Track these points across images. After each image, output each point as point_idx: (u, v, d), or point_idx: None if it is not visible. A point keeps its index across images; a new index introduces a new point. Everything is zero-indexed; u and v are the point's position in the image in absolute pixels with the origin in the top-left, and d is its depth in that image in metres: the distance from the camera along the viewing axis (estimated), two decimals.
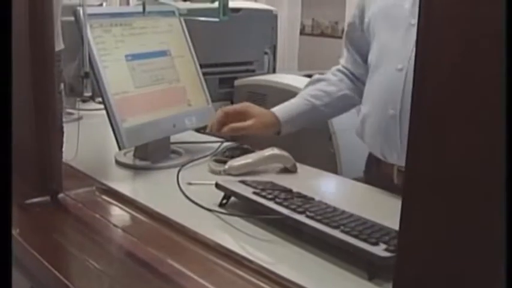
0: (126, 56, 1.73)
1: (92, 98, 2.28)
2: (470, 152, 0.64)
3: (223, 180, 1.53)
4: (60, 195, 1.50)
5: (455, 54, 0.65)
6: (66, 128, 1.62)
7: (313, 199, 1.40)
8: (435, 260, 0.69)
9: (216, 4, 1.69)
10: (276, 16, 3.11)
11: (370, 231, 1.19)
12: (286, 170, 1.75)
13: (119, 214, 1.47)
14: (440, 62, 0.66)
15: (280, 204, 1.33)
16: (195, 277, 1.14)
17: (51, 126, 1.47)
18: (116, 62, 1.69)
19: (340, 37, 1.80)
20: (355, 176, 1.84)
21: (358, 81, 1.87)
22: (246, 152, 1.80)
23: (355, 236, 1.17)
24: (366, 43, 1.77)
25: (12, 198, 0.78)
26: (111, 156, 1.81)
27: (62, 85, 1.64)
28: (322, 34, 6.25)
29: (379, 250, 1.12)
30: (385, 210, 1.43)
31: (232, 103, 2.86)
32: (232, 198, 1.45)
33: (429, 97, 0.67)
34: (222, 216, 1.39)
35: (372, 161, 1.77)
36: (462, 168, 0.65)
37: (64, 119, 1.64)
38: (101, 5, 2.31)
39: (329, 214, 1.28)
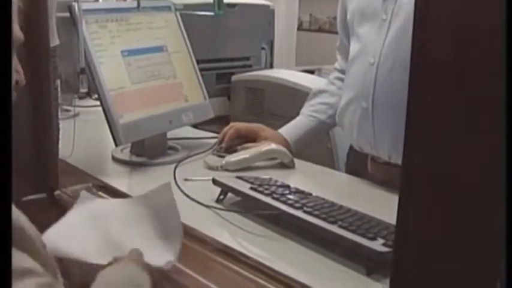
0: (122, 51, 1.72)
1: (88, 95, 2.28)
2: (468, 148, 0.63)
3: (220, 176, 1.53)
4: (57, 192, 1.49)
5: (451, 51, 0.64)
6: (63, 124, 1.61)
7: (310, 194, 1.39)
8: (432, 255, 0.68)
9: None
10: (273, 11, 3.09)
11: (368, 226, 1.19)
12: (283, 166, 1.74)
13: None
14: (437, 60, 0.65)
15: (277, 199, 1.33)
16: (193, 274, 1.14)
17: (47, 123, 1.46)
18: (112, 57, 1.69)
19: (338, 33, 1.81)
20: None
21: None
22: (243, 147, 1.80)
23: (353, 231, 1.16)
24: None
25: (11, 196, 0.78)
26: (108, 152, 1.80)
27: (58, 81, 1.63)
28: (320, 29, 6.24)
29: (377, 245, 1.11)
30: (382, 204, 1.42)
31: (229, 99, 2.86)
32: (230, 194, 1.44)
33: (426, 93, 0.66)
34: (219, 212, 1.39)
35: (351, 152, 1.81)
36: (459, 163, 0.64)
37: (60, 116, 1.63)
38: (97, 0, 2.29)
39: (326, 209, 1.27)
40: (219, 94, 2.76)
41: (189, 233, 1.30)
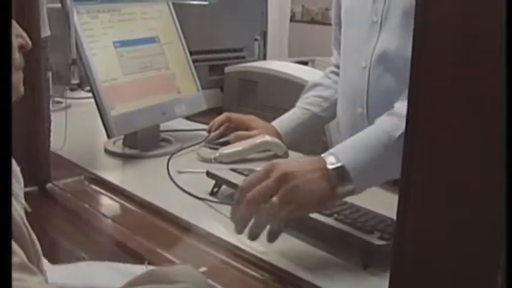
0: (115, 42, 1.70)
1: (80, 86, 2.26)
2: (469, 146, 0.62)
3: (214, 168, 1.51)
4: (49, 185, 1.48)
5: (451, 56, 0.63)
6: (54, 116, 1.59)
7: None
8: (432, 251, 0.67)
9: None
10: (266, 1, 3.08)
11: (365, 219, 1.18)
12: (277, 158, 1.73)
13: (108, 204, 1.45)
14: (437, 59, 0.64)
15: None
16: None
17: (39, 115, 1.44)
18: (104, 48, 1.67)
19: (331, 24, 1.80)
20: None
21: None
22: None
23: (349, 224, 1.15)
24: None
25: (11, 194, 0.77)
26: (100, 145, 1.78)
27: (49, 73, 1.61)
28: (312, 21, 6.22)
29: (374, 238, 1.10)
30: (378, 198, 1.41)
31: (222, 91, 2.84)
32: (224, 187, 1.43)
33: (427, 91, 0.65)
34: (213, 205, 1.37)
35: None
36: (460, 161, 0.63)
37: (52, 108, 1.62)
38: None
39: None
40: (212, 86, 2.75)
41: (183, 226, 1.29)
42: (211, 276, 1.10)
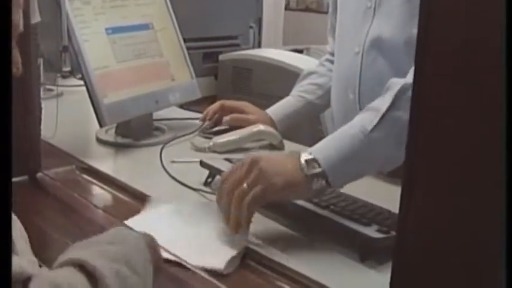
0: (107, 29, 1.67)
1: (72, 74, 2.23)
2: (472, 139, 0.61)
3: (208, 157, 1.49)
4: (39, 175, 1.45)
5: (456, 52, 0.61)
6: (46, 104, 1.56)
7: None
8: (435, 245, 0.66)
9: None
10: None
11: (362, 211, 1.16)
12: (272, 147, 1.71)
13: (99, 194, 1.42)
14: (442, 53, 0.62)
15: None
16: (180, 260, 1.10)
17: (29, 103, 1.41)
18: (96, 35, 1.64)
19: (325, 12, 1.78)
20: None
21: None
22: (231, 128, 1.76)
23: (346, 216, 1.13)
24: None
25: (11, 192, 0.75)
26: (92, 133, 1.76)
27: (40, 60, 1.58)
28: (307, 9, 6.20)
29: (372, 231, 1.08)
30: (375, 190, 1.40)
31: (216, 78, 2.82)
32: (218, 177, 1.40)
33: (430, 86, 0.63)
34: (207, 195, 1.35)
35: None
36: (463, 154, 0.62)
37: (43, 96, 1.59)
38: None
39: None
40: (206, 74, 2.72)
41: None
42: (204, 269, 1.08)
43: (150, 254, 0.85)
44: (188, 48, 1.95)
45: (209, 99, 2.30)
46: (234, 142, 1.67)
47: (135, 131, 1.72)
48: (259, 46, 3.06)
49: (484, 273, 0.64)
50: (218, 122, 1.80)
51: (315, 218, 1.16)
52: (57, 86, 1.99)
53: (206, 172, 1.41)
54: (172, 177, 1.44)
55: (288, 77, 2.23)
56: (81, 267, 0.73)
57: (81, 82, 1.64)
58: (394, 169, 1.23)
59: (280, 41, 5.02)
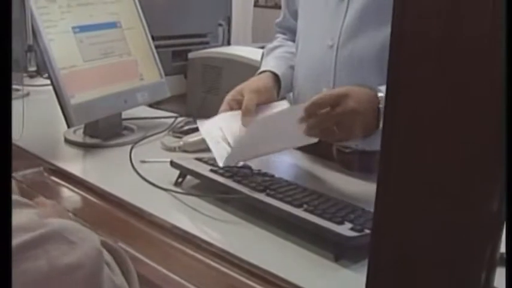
0: (74, 28, 1.64)
1: (38, 73, 2.19)
2: (451, 136, 0.60)
3: (179, 157, 1.47)
4: None
5: (436, 35, 0.60)
6: (12, 105, 1.53)
7: (273, 176, 1.34)
8: (413, 244, 0.65)
9: None
10: None
11: (335, 209, 1.15)
12: None
13: (68, 196, 1.40)
14: (419, 45, 0.61)
15: (239, 182, 1.28)
16: (151, 262, 1.08)
17: None
18: (63, 34, 1.61)
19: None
20: None
21: None
22: None
23: (319, 215, 1.12)
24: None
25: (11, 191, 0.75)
26: (60, 134, 1.73)
27: None
28: (276, 6, 6.19)
29: (345, 229, 1.07)
30: (349, 187, 1.39)
31: (185, 77, 2.79)
32: (189, 177, 1.39)
33: (406, 80, 0.61)
34: (178, 196, 1.33)
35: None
36: (441, 151, 0.61)
37: None
38: None
39: (291, 192, 1.23)
40: (175, 72, 2.69)
41: (146, 219, 1.25)
42: (174, 269, 1.06)
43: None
44: (157, 47, 1.93)
45: (179, 98, 2.29)
46: (205, 141, 1.65)
47: (103, 131, 1.70)
48: (228, 44, 3.04)
49: (464, 272, 0.63)
50: None
51: (289, 217, 1.15)
52: (23, 85, 1.96)
53: (177, 172, 1.39)
54: (142, 178, 1.42)
55: None
56: None
57: (48, 81, 1.61)
58: (367, 166, 1.22)
59: (250, 39, 5.01)
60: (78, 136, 1.72)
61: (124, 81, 1.75)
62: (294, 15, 1.75)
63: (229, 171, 1.33)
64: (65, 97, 1.55)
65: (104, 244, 0.85)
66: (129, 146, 1.62)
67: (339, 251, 1.07)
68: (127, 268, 0.90)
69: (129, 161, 1.52)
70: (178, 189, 1.36)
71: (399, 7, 0.60)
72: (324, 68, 1.53)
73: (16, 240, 0.69)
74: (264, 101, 1.53)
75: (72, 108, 1.56)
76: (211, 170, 1.34)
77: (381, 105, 1.28)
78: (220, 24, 2.96)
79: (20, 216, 0.72)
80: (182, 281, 1.02)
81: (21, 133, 1.57)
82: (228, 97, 1.56)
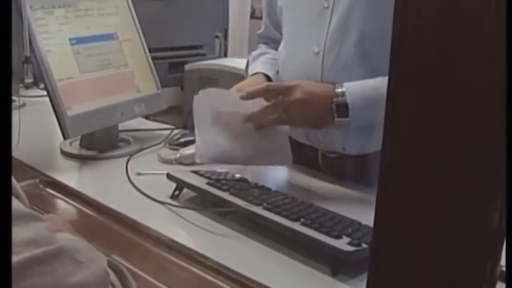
0: (71, 39, 1.63)
1: (35, 84, 2.18)
2: (451, 146, 0.59)
3: (175, 170, 1.47)
4: None
5: (435, 42, 0.59)
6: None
7: (270, 189, 1.34)
8: (413, 258, 0.64)
9: None
10: None
11: (332, 223, 1.14)
12: None
13: (64, 208, 1.39)
14: (419, 52, 0.60)
15: (235, 195, 1.27)
16: (146, 276, 1.07)
17: None
18: (60, 46, 1.60)
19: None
20: None
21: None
22: None
23: (317, 229, 1.11)
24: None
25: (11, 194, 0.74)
26: (56, 145, 1.72)
27: None
28: None
29: (343, 244, 1.06)
30: (342, 198, 1.39)
31: (182, 89, 2.79)
32: (185, 190, 1.38)
33: (407, 86, 0.61)
34: (174, 209, 1.33)
35: (294, 146, 1.61)
36: (441, 161, 0.60)
37: None
38: None
39: (288, 205, 1.22)
40: (172, 84, 2.69)
41: (142, 232, 1.24)
42: (169, 283, 1.06)
43: None
44: (153, 58, 1.93)
45: (175, 110, 2.28)
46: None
47: (100, 142, 1.69)
48: (225, 55, 3.04)
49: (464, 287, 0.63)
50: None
51: (286, 231, 1.14)
52: (20, 96, 1.95)
53: (173, 185, 1.39)
54: (139, 190, 1.41)
55: None
56: None
57: (45, 93, 1.61)
58: (365, 179, 1.22)
59: (246, 50, 5.01)
60: (74, 148, 1.71)
61: (121, 93, 1.75)
62: (275, 25, 1.76)
63: (226, 184, 1.32)
64: (61, 109, 1.54)
65: (110, 264, 0.84)
66: (126, 158, 1.62)
67: (336, 265, 1.07)
68: None
69: (125, 173, 1.51)
70: (175, 202, 1.35)
71: (400, 6, 0.60)
72: (311, 74, 1.53)
73: (23, 254, 0.68)
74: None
75: (69, 119, 1.55)
76: (208, 183, 1.34)
77: (335, 99, 1.39)
78: (216, 36, 2.97)
79: (28, 230, 0.72)
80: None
81: (17, 144, 1.56)
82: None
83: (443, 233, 0.62)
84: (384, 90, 0.63)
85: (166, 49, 2.69)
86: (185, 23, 2.79)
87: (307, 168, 1.62)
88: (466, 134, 0.58)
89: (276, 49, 1.77)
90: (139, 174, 1.52)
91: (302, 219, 1.15)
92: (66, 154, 1.69)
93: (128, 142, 1.79)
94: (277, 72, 1.70)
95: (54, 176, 1.51)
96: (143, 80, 1.84)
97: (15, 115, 1.62)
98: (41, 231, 0.74)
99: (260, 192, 1.29)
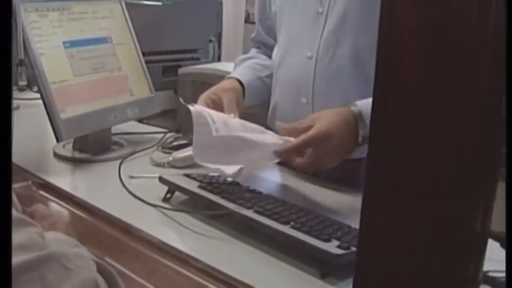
0: (64, 42, 1.64)
1: (28, 87, 2.19)
2: (436, 148, 0.60)
3: (167, 173, 1.47)
4: None
5: (420, 47, 0.60)
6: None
7: (261, 193, 1.35)
8: (399, 262, 0.65)
9: None
10: (221, 3, 3.04)
11: (322, 226, 1.15)
12: None
13: (57, 210, 1.39)
14: (404, 57, 0.61)
15: (227, 198, 1.28)
16: (137, 278, 1.08)
17: None
18: (53, 49, 1.61)
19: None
20: None
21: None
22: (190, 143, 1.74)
23: (306, 232, 1.12)
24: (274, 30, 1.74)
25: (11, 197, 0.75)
26: (49, 148, 1.72)
27: None
28: None
29: (332, 247, 1.07)
30: (333, 201, 1.40)
31: (175, 92, 2.80)
32: (177, 193, 1.39)
33: (393, 92, 0.62)
34: (166, 211, 1.33)
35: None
36: (427, 165, 0.61)
37: None
38: None
39: (278, 209, 1.23)
40: (165, 87, 2.70)
41: (134, 234, 1.25)
42: (161, 285, 1.06)
43: None
44: (147, 62, 1.94)
45: (169, 114, 2.29)
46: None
47: (93, 145, 1.70)
48: (219, 60, 3.05)
49: None
50: None
51: (276, 234, 1.15)
52: (13, 99, 1.95)
53: (165, 188, 1.40)
54: (131, 193, 1.42)
55: None
56: None
57: (38, 95, 1.61)
58: (357, 183, 1.23)
59: (240, 54, 5.02)
60: (68, 150, 1.72)
61: (114, 96, 1.76)
62: (267, 30, 1.78)
63: (218, 187, 1.33)
64: (55, 111, 1.55)
65: (99, 267, 0.84)
66: (118, 161, 1.62)
67: (325, 268, 1.08)
68: None
69: (117, 176, 1.52)
70: (167, 205, 1.36)
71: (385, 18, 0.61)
72: (303, 79, 1.55)
73: (13, 260, 0.68)
74: (237, 100, 1.58)
75: (62, 122, 1.56)
76: (200, 186, 1.35)
77: (361, 131, 1.37)
78: (210, 40, 2.97)
79: (20, 235, 0.72)
80: None
81: (10, 146, 1.57)
82: (203, 96, 1.58)
83: (427, 236, 0.63)
84: None
85: (160, 53, 2.69)
86: (179, 27, 2.80)
87: (299, 171, 1.63)
88: (448, 139, 0.59)
89: (267, 54, 1.79)
90: (131, 177, 1.53)
91: (292, 223, 1.16)
92: (59, 157, 1.69)
93: (121, 145, 1.79)
94: (260, 77, 1.73)
95: (47, 178, 1.52)
96: (137, 84, 1.85)
97: None
98: (31, 236, 0.74)
99: (251, 196, 1.30)
